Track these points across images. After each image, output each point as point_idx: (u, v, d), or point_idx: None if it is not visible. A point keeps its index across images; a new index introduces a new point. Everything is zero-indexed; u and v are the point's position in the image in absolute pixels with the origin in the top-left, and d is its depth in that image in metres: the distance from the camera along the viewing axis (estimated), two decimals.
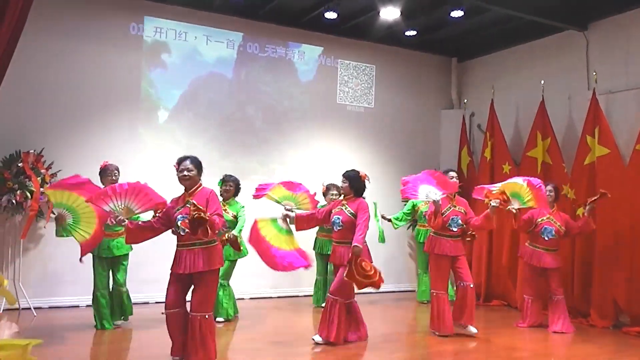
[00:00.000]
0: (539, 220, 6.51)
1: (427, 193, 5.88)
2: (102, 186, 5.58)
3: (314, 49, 8.83)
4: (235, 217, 6.33)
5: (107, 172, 5.94)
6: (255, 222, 5.55)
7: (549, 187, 6.61)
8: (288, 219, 5.63)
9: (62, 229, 5.36)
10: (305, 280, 7.91)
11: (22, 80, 6.71)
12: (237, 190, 6.52)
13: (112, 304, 5.98)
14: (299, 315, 7.18)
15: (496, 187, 6.19)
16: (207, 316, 4.51)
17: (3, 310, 6.50)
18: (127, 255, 6.04)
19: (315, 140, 8.77)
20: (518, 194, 6.13)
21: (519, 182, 6.16)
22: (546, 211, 6.52)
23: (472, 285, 5.99)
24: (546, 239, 6.45)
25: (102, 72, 7.36)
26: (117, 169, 6.00)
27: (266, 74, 8.48)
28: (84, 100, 7.23)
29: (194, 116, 8.00)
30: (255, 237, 5.48)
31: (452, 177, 6.24)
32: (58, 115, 7.08)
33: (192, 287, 4.60)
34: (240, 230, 6.24)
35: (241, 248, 6.04)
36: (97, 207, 4.93)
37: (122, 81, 7.49)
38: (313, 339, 5.47)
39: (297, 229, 5.69)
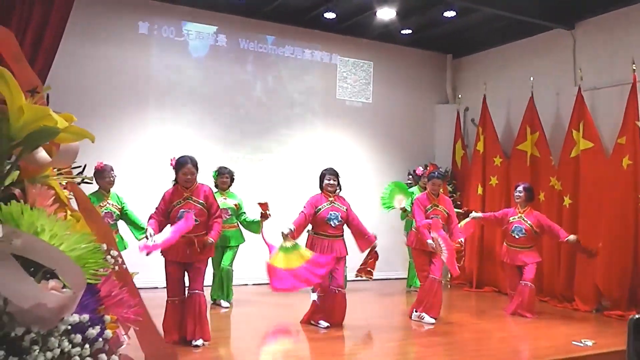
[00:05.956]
0: (511, 219, 6.89)
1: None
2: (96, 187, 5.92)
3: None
4: (237, 206, 6.71)
5: (105, 174, 5.96)
6: (268, 264, 5.49)
7: (519, 189, 6.94)
8: (289, 236, 5.58)
9: None
10: None
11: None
12: (232, 180, 6.82)
13: None
14: (301, 300, 7.57)
15: None
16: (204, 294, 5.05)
17: None
18: None
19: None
20: None
21: None
22: (518, 210, 6.90)
23: (438, 279, 6.18)
24: (517, 237, 6.78)
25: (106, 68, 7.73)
26: (112, 169, 6.04)
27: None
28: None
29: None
30: (274, 274, 5.47)
31: (435, 184, 6.35)
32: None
33: (189, 270, 5.01)
34: (246, 219, 6.71)
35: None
36: None
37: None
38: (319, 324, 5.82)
39: (298, 236, 5.74)
